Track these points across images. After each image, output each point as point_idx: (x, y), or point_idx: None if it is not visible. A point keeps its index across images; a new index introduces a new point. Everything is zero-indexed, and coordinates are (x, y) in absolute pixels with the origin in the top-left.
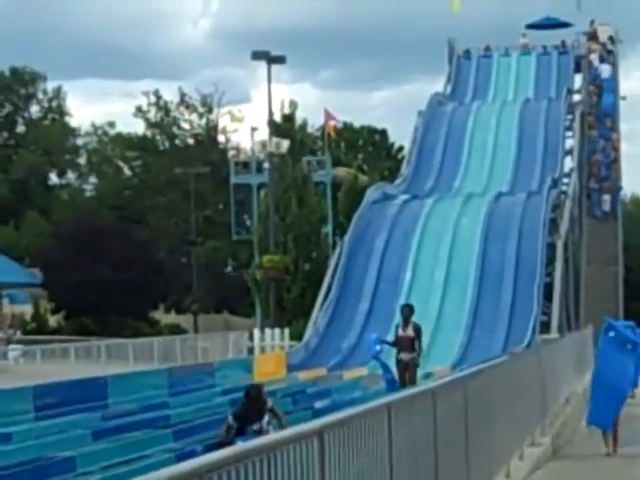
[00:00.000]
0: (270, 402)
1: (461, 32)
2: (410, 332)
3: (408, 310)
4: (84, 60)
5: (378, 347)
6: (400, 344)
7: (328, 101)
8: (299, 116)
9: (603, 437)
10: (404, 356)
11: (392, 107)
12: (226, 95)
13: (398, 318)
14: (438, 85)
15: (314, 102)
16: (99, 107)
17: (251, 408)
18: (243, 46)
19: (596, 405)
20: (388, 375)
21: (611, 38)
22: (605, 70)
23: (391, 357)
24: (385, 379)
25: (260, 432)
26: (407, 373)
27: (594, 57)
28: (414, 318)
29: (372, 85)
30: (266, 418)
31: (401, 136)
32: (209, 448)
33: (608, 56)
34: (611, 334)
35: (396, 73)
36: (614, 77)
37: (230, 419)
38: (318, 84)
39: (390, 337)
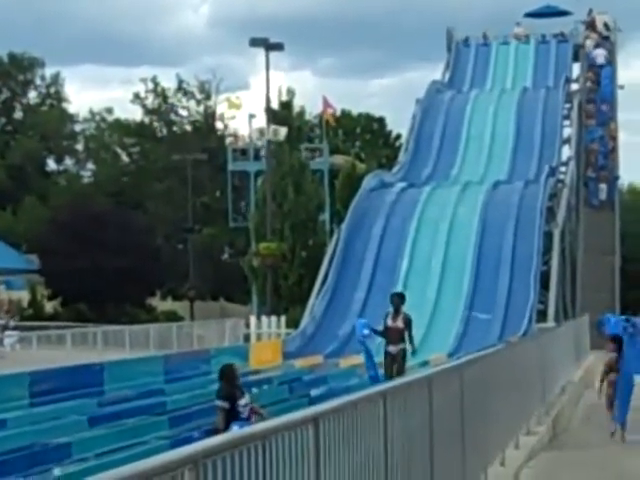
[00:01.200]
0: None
1: (460, 20)
2: (400, 323)
3: (399, 299)
4: (83, 46)
5: (366, 331)
6: (388, 335)
7: (327, 89)
8: (297, 103)
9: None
10: (392, 348)
11: (391, 95)
12: (225, 82)
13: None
14: (437, 73)
15: (313, 90)
16: (98, 93)
17: (233, 386)
18: (243, 33)
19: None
20: (371, 371)
21: (606, 25)
22: (600, 55)
23: (380, 348)
24: (368, 374)
25: (249, 405)
26: (394, 366)
27: (589, 43)
28: (405, 308)
29: (372, 73)
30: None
31: (400, 124)
32: (206, 434)
33: (604, 42)
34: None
35: (396, 61)
36: (611, 64)
37: (219, 403)
38: (318, 72)
39: (379, 327)
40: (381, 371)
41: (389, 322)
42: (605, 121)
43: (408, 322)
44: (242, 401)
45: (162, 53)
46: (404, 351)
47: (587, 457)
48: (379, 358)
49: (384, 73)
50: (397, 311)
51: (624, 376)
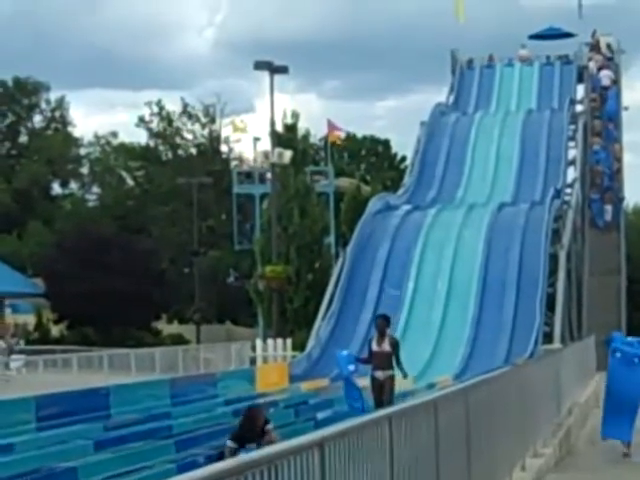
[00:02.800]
0: (271, 425)
1: (464, 43)
2: (386, 347)
3: (383, 322)
4: (88, 70)
5: (352, 367)
6: (375, 360)
7: (333, 111)
8: (302, 126)
9: (627, 445)
10: (379, 374)
11: (396, 117)
12: (230, 105)
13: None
14: (442, 95)
15: (319, 112)
16: (103, 117)
17: (249, 429)
18: (248, 56)
19: (610, 420)
20: (357, 403)
21: (609, 46)
22: (605, 77)
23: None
24: (351, 406)
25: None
26: (383, 393)
27: (593, 65)
28: (390, 330)
29: (376, 95)
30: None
31: (405, 146)
32: (211, 459)
33: (608, 64)
34: (618, 355)
35: (400, 83)
36: (616, 84)
37: (229, 442)
38: (323, 94)
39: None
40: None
41: (374, 347)
42: (612, 139)
43: (395, 345)
44: (252, 445)
45: (167, 76)
46: (392, 378)
47: (593, 479)
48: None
49: (389, 95)
50: (382, 334)
51: (622, 396)
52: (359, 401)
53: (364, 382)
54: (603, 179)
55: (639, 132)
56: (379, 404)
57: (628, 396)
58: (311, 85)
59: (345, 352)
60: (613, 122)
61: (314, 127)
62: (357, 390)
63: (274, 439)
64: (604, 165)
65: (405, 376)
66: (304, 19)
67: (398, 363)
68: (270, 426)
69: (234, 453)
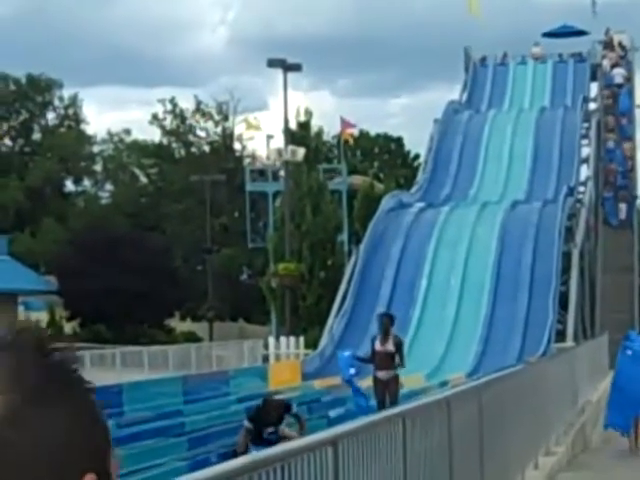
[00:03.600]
0: (295, 408)
1: (478, 40)
2: (390, 346)
3: (388, 320)
4: (101, 67)
5: (352, 370)
6: (378, 360)
7: (346, 109)
8: (316, 124)
9: (627, 437)
10: (382, 374)
11: (409, 115)
12: (244, 103)
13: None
14: (455, 93)
15: (332, 110)
16: (117, 115)
17: (267, 413)
18: (261, 54)
19: (614, 411)
20: (361, 400)
21: (620, 44)
22: (618, 75)
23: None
24: (356, 403)
25: (276, 434)
26: (387, 393)
27: (606, 63)
28: (395, 329)
29: (390, 93)
30: (284, 423)
31: (418, 144)
32: (223, 457)
33: (621, 61)
34: (629, 352)
35: (414, 81)
36: (629, 82)
37: (246, 423)
38: (336, 92)
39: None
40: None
41: (377, 346)
42: (626, 136)
43: (399, 345)
44: (271, 428)
45: (181, 74)
46: (397, 377)
47: (606, 478)
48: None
49: (402, 93)
50: (386, 333)
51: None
52: (363, 398)
53: (368, 383)
54: (617, 177)
55: None
56: (382, 406)
57: (634, 392)
58: (324, 83)
59: (346, 353)
60: (627, 118)
61: (327, 125)
62: (362, 395)
63: (289, 435)
64: (617, 163)
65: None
66: (318, 16)
67: (402, 363)
68: (291, 413)
69: (251, 433)
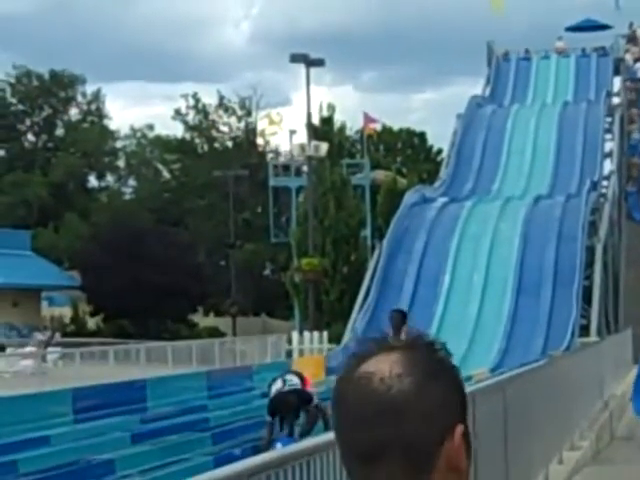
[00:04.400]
0: (316, 400)
1: (501, 35)
2: None
3: (399, 316)
4: (126, 63)
5: None
6: None
7: (369, 104)
8: (339, 119)
9: None
10: None
11: (433, 110)
12: (267, 98)
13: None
14: (478, 88)
15: (355, 105)
16: (141, 110)
17: (283, 405)
18: (285, 49)
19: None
20: None
21: None
22: None
23: None
24: None
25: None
26: None
27: (629, 57)
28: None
29: (413, 88)
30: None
31: (441, 139)
32: (248, 451)
33: None
34: None
35: (438, 76)
36: None
37: (267, 418)
38: (359, 87)
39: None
40: None
41: None
42: None
43: None
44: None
45: (204, 69)
46: None
47: (630, 472)
48: None
49: (425, 88)
50: (398, 330)
51: None
52: None
53: None
54: None
55: None
56: None
57: None
58: (347, 78)
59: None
60: None
61: (350, 120)
62: None
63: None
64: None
65: None
66: (341, 12)
67: None
68: (316, 401)
69: (273, 427)
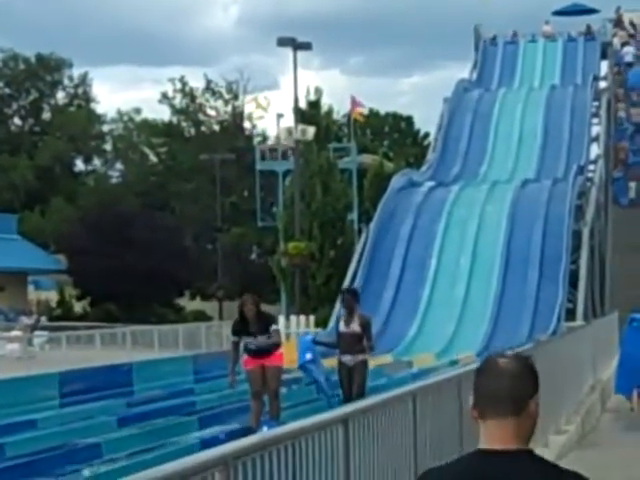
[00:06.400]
0: (274, 327)
1: (488, 19)
2: (356, 327)
3: (351, 297)
4: (115, 47)
5: (309, 355)
6: (342, 343)
7: (357, 88)
8: (326, 103)
9: (628, 399)
10: (347, 359)
11: (421, 94)
12: (255, 82)
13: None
14: (466, 72)
15: (343, 89)
16: (130, 94)
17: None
18: (273, 32)
19: (622, 379)
20: (327, 392)
21: (632, 23)
22: (628, 54)
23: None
24: (320, 391)
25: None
26: (352, 383)
27: (616, 41)
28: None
29: (401, 72)
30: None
31: (428, 123)
32: (233, 435)
33: (631, 40)
34: (635, 324)
35: (426, 59)
36: (639, 60)
37: (233, 338)
38: (347, 71)
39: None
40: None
41: (341, 327)
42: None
43: (366, 325)
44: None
45: (193, 53)
46: (364, 364)
47: (616, 456)
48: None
49: (414, 72)
50: (351, 312)
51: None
52: (327, 392)
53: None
54: (628, 155)
55: None
56: (348, 395)
57: (637, 360)
58: (335, 61)
59: (309, 336)
60: (636, 90)
61: (338, 103)
62: (321, 385)
63: (278, 340)
64: (628, 139)
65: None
66: None
67: (370, 347)
68: (274, 327)
69: (237, 345)
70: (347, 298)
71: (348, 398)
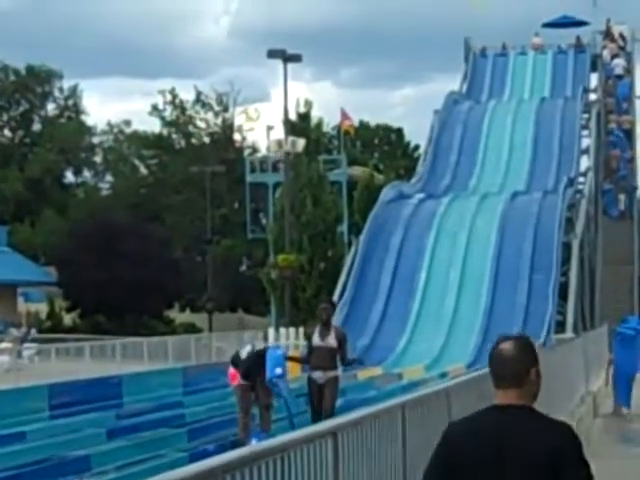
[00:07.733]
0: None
1: (478, 31)
2: (332, 341)
3: (327, 309)
4: (105, 59)
5: (279, 370)
6: (315, 358)
7: (348, 100)
8: (317, 115)
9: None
10: (319, 375)
11: (410, 106)
12: (246, 94)
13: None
14: (456, 84)
15: (335, 101)
16: (120, 105)
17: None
18: (264, 45)
19: (618, 390)
20: (292, 406)
21: (621, 35)
22: (618, 66)
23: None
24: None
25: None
26: (322, 401)
27: (606, 53)
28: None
29: (393, 84)
30: None
31: (418, 135)
32: (223, 448)
33: (622, 52)
34: (619, 338)
35: (417, 72)
36: (629, 74)
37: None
38: (339, 83)
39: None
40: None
41: (316, 340)
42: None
43: (343, 339)
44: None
45: (183, 65)
46: (336, 380)
47: (606, 468)
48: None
49: (405, 84)
50: (327, 325)
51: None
52: (292, 406)
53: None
54: (619, 164)
55: None
56: (318, 414)
57: (625, 371)
58: (327, 73)
59: (280, 351)
60: (627, 100)
61: (330, 116)
62: (284, 399)
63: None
64: (620, 148)
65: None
66: (320, 8)
67: (344, 362)
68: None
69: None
70: (325, 309)
71: (318, 416)
